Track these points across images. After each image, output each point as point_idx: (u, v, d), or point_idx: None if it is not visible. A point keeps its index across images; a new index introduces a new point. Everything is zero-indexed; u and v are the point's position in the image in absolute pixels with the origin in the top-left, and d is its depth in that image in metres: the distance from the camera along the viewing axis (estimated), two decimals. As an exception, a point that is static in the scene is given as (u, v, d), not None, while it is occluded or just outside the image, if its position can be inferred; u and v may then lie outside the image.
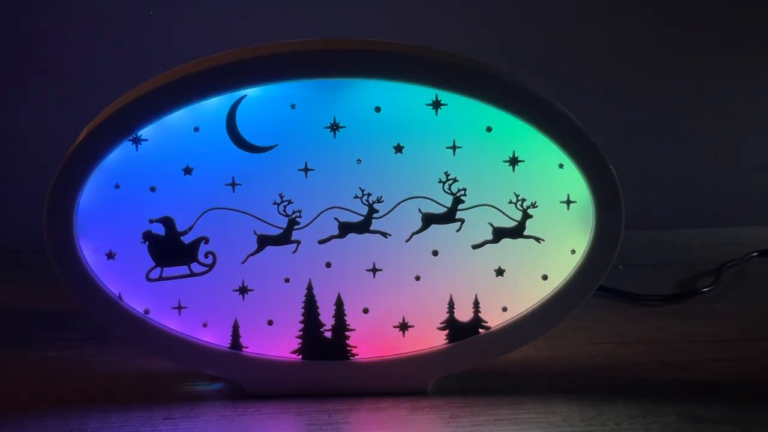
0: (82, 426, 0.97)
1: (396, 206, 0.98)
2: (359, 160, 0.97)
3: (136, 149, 0.95)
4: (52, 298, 1.21)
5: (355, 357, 1.01)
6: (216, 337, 1.00)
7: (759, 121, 1.53)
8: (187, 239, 0.98)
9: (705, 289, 1.29)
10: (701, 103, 1.51)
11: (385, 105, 0.96)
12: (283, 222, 0.98)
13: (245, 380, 1.02)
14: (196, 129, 0.96)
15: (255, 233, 0.98)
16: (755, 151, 1.54)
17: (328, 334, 1.01)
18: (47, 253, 0.96)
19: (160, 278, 0.99)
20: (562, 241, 1.00)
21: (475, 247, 1.00)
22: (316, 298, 1.00)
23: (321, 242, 0.99)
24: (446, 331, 1.02)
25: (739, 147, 1.54)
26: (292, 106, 0.96)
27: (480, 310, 1.01)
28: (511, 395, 1.02)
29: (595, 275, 1.00)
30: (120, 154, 0.95)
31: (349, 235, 0.99)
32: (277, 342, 1.01)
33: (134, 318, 0.99)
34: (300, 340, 1.01)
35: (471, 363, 1.03)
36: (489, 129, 0.97)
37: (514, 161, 0.98)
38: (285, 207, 0.98)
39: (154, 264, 0.98)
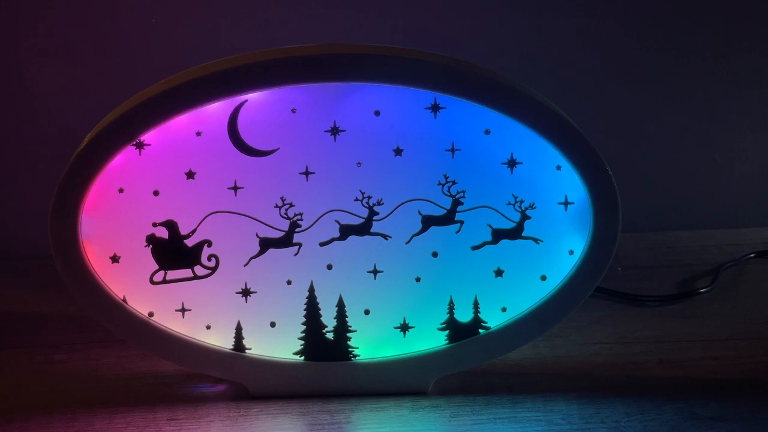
0: (87, 427, 0.98)
1: (396, 208, 0.99)
2: (359, 163, 0.98)
3: (139, 154, 0.96)
4: (57, 302, 1.21)
5: (357, 358, 1.02)
6: (219, 339, 1.01)
7: (758, 122, 1.53)
8: (190, 242, 0.99)
9: (702, 290, 1.29)
10: (700, 104, 1.52)
11: (384, 109, 0.97)
12: (285, 225, 0.99)
13: (248, 381, 1.03)
14: (199, 133, 0.97)
15: (257, 236, 0.99)
16: (754, 152, 1.54)
17: (330, 336, 1.02)
18: (52, 258, 0.97)
19: (164, 281, 1.00)
20: (560, 242, 1.01)
21: (474, 248, 1.01)
22: (317, 300, 1.01)
23: (322, 244, 1.00)
24: (446, 332, 1.03)
25: (737, 148, 1.54)
26: (293, 111, 0.97)
27: (480, 310, 1.02)
28: (511, 394, 1.03)
29: (593, 276, 1.01)
30: (123, 158, 0.96)
31: (349, 237, 1.00)
32: (280, 343, 1.02)
33: (138, 321, 1.00)
34: (302, 342, 1.02)
35: (471, 363, 1.04)
36: (487, 131, 0.98)
37: (512, 163, 0.99)
38: (286, 210, 0.99)
39: (157, 267, 0.99)
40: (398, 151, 0.98)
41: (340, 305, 1.01)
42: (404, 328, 1.02)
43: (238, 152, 0.97)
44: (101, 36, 1.41)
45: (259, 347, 1.02)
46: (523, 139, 0.98)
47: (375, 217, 0.99)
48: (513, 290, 1.02)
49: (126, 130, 0.95)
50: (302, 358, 1.02)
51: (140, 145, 0.96)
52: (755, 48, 1.50)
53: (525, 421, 0.98)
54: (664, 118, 1.51)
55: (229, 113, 0.96)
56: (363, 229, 0.99)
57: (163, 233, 0.99)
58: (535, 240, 1.01)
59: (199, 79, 0.94)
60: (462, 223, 1.00)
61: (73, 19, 1.40)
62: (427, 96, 0.97)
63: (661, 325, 1.20)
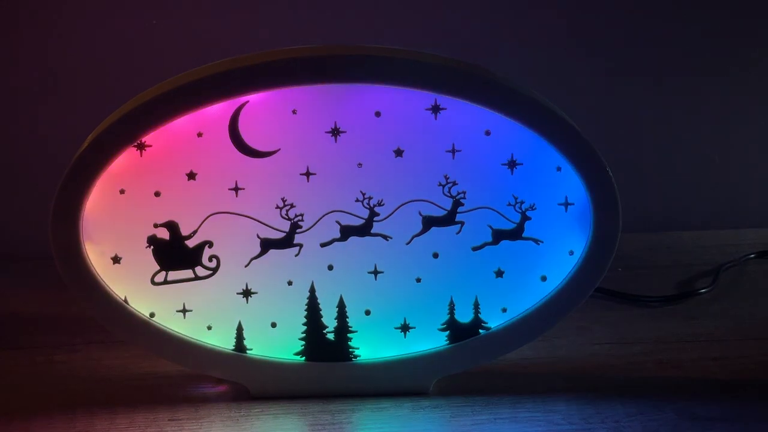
0: (88, 428, 0.98)
1: (397, 209, 0.99)
2: (360, 164, 0.98)
3: (141, 155, 0.96)
4: (58, 303, 1.22)
5: (358, 358, 1.03)
6: (220, 340, 1.02)
7: (758, 122, 1.54)
8: (191, 243, 0.99)
9: (702, 290, 1.29)
10: (700, 104, 1.52)
11: (385, 109, 0.97)
12: (286, 226, 0.99)
13: (249, 382, 1.03)
14: (200, 134, 0.97)
15: (258, 237, 0.99)
16: (753, 153, 1.55)
17: (331, 336, 1.02)
18: (54, 258, 0.97)
19: (165, 282, 1.00)
20: (560, 242, 1.01)
21: (474, 249, 1.01)
22: (318, 301, 1.01)
23: (323, 245, 1.00)
24: (447, 332, 1.03)
25: (737, 149, 1.54)
26: (294, 111, 0.97)
27: (480, 311, 1.02)
28: (511, 394, 1.03)
29: (593, 276, 1.01)
30: (124, 159, 0.96)
31: (350, 238, 1.00)
32: (281, 344, 1.02)
33: (139, 321, 1.00)
34: (303, 342, 1.02)
35: (471, 363, 1.04)
36: (488, 132, 0.98)
37: (512, 164, 0.99)
38: (287, 211, 0.99)
39: (158, 268, 0.99)
40: (399, 152, 0.98)
41: (341, 306, 1.01)
42: (405, 328, 1.02)
43: (239, 153, 0.97)
44: (101, 36, 1.41)
45: (260, 348, 1.02)
46: (524, 140, 0.98)
47: (376, 218, 0.99)
48: (513, 291, 1.02)
49: (127, 132, 0.95)
50: (303, 358, 1.02)
51: (141, 146, 0.96)
52: (756, 48, 1.50)
53: (525, 421, 0.98)
54: (663, 119, 1.51)
55: (230, 114, 0.96)
56: (364, 230, 1.00)
57: (164, 234, 0.99)
58: (536, 241, 1.01)
59: (200, 80, 0.94)
60: (462, 223, 1.00)
61: (73, 19, 1.40)
62: (428, 97, 0.97)
63: (661, 325, 1.20)
